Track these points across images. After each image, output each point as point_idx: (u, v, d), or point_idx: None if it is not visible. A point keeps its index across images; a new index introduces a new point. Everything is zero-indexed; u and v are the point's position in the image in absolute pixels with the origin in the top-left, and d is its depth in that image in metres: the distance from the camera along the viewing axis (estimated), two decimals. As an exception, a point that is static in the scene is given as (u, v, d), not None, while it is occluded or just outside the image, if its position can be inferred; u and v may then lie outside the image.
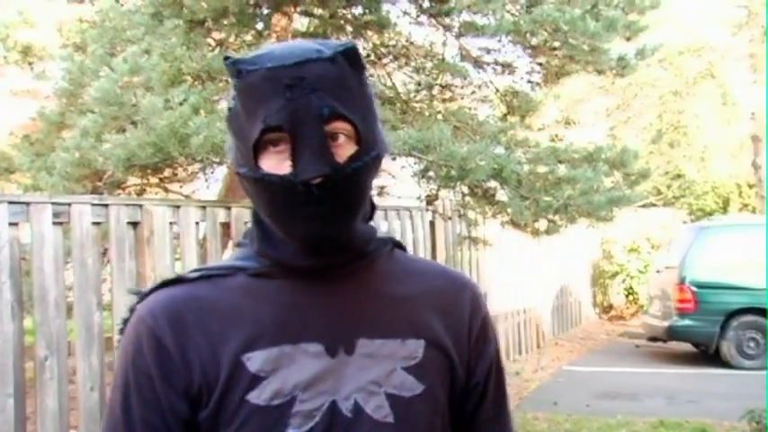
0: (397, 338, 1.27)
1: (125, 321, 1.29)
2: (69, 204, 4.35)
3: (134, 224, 4.72)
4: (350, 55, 1.19)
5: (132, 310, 1.29)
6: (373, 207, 1.32)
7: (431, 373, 1.28)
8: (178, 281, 1.29)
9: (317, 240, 1.19)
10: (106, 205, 4.57)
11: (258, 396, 1.20)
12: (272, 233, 1.24)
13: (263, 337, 1.22)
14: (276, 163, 1.17)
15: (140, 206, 4.79)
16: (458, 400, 1.35)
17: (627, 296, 15.91)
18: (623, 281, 15.80)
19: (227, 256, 1.41)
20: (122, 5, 6.51)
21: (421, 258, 1.55)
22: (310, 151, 1.14)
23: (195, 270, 1.32)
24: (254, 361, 1.20)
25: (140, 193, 6.70)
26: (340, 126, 1.17)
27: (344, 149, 1.18)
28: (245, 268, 1.28)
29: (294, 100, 1.14)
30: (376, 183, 8.03)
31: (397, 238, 6.46)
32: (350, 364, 1.23)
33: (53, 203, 4.25)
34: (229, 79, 1.22)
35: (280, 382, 1.20)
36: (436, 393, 1.29)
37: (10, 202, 4.03)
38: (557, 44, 6.65)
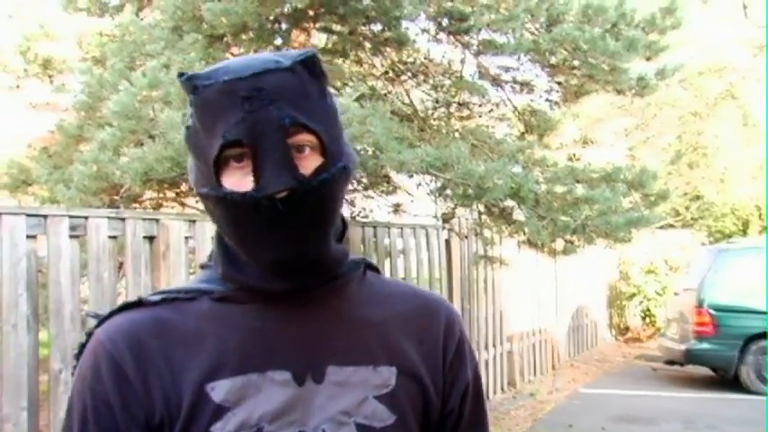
0: (369, 365, 1.22)
1: (82, 346, 1.23)
2: (86, 217, 4.38)
3: (150, 238, 4.75)
4: (309, 64, 1.14)
5: (90, 334, 1.23)
6: (345, 226, 1.27)
7: (403, 403, 1.23)
8: (139, 304, 1.23)
9: (286, 263, 1.14)
10: (123, 219, 4.60)
11: (223, 428, 1.14)
12: (238, 256, 1.19)
13: (228, 365, 1.17)
14: (238, 180, 1.12)
15: (157, 220, 4.82)
16: (433, 430, 1.30)
17: (644, 318, 15.83)
18: (640, 303, 15.72)
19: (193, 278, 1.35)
20: (142, 19, 6.57)
21: (394, 280, 1.46)
22: (273, 164, 1.09)
23: (157, 293, 1.26)
24: (219, 390, 1.15)
25: (157, 207, 6.73)
26: (304, 138, 1.13)
27: (310, 162, 1.13)
28: (209, 292, 1.22)
29: (253, 112, 1.09)
30: (392, 200, 8.09)
31: (413, 256, 6.48)
32: (319, 392, 1.18)
33: (70, 216, 4.28)
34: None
35: (245, 413, 1.15)
36: (409, 424, 1.24)
37: (28, 215, 4.06)
38: (576, 63, 6.67)
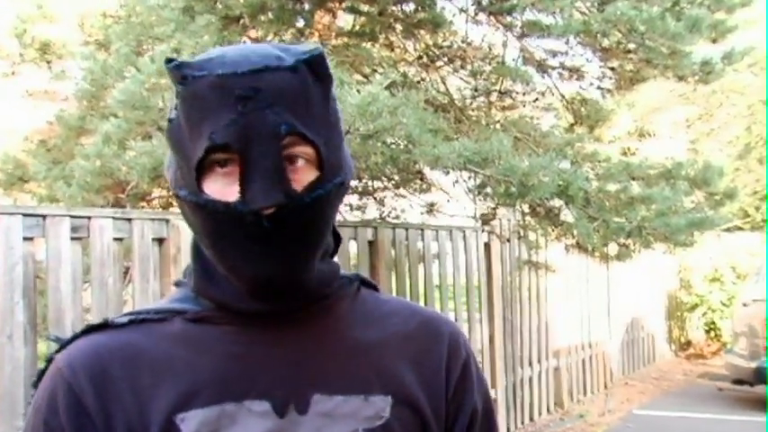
0: (360, 394, 1.21)
1: (41, 373, 1.22)
2: (89, 218, 4.41)
3: (159, 240, 4.78)
4: (315, 64, 1.13)
5: (50, 360, 1.22)
6: (338, 240, 1.26)
7: None
8: (105, 326, 1.23)
9: (267, 282, 1.13)
10: (129, 219, 4.62)
11: None
12: (215, 269, 1.18)
13: (202, 393, 1.15)
14: (222, 187, 1.11)
15: (166, 221, 4.84)
16: None
17: (708, 332, 15.69)
18: (704, 314, 15.58)
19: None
20: (150, -1, 6.62)
21: (393, 298, 1.44)
22: (262, 176, 1.08)
23: (125, 314, 1.25)
24: (190, 422, 1.14)
25: (166, 206, 6.77)
26: (300, 149, 1.12)
27: (303, 175, 1.13)
28: (182, 312, 1.22)
29: (246, 114, 1.08)
30: (426, 199, 8.09)
31: (449, 260, 6.46)
32: (302, 424, 1.17)
33: (71, 216, 4.31)
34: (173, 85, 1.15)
35: None
36: None
37: (25, 215, 4.08)
38: (632, 46, 6.62)
